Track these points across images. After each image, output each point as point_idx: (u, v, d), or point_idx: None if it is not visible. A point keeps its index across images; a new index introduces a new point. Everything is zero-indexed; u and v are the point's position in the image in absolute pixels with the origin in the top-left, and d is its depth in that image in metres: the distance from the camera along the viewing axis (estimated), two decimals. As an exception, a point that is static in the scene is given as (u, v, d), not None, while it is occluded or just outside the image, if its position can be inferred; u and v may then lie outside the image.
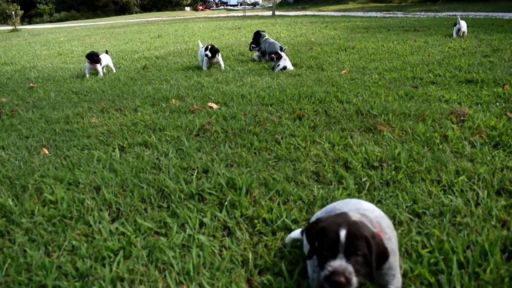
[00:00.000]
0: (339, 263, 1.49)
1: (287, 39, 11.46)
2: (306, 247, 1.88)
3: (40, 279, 2.02)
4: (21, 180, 3.14)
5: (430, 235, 2.16)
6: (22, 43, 17.42)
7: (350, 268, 1.49)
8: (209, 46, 7.29)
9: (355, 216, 1.64)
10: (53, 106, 5.50)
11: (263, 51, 8.01)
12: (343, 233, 1.50)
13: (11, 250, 2.29)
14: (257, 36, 8.24)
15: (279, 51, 7.15)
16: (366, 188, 2.70)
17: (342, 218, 1.59)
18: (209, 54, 7.28)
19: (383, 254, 1.60)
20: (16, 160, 3.59)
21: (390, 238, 1.74)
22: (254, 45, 8.32)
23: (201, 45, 7.88)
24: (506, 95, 4.51)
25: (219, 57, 7.50)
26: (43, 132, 4.37)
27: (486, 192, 2.54)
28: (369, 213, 1.76)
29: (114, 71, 8.01)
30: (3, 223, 2.56)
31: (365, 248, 1.52)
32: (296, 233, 2.18)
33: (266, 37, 8.13)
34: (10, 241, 2.40)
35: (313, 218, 2.02)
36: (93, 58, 7.45)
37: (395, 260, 1.72)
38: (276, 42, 7.98)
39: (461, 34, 9.58)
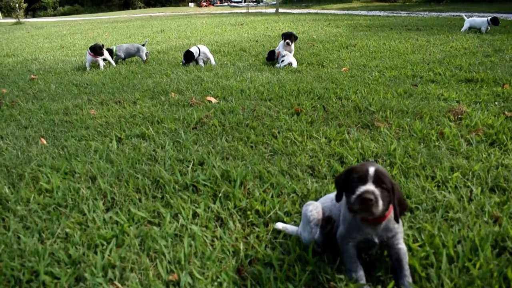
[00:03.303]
0: (369, 186, 1.67)
1: (289, 36, 11.43)
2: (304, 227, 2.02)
3: (32, 265, 2.03)
4: (18, 168, 3.16)
5: (422, 229, 2.16)
6: (25, 36, 17.44)
7: (377, 191, 1.66)
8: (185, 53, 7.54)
9: None
10: (53, 98, 5.51)
11: (122, 57, 8.26)
12: (371, 169, 1.69)
13: (5, 236, 2.30)
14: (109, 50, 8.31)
15: None
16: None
17: (369, 163, 1.75)
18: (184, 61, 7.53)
19: (404, 201, 1.80)
20: (14, 150, 3.60)
21: None
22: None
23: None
24: (505, 94, 4.50)
25: (208, 55, 7.61)
26: (42, 123, 4.38)
27: (479, 188, 2.54)
28: None
29: (114, 64, 8.01)
30: (-2, 210, 2.58)
31: (389, 184, 1.70)
32: (289, 227, 2.19)
33: (115, 47, 8.31)
34: (5, 228, 2.42)
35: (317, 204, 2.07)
36: (97, 50, 7.48)
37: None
38: (133, 44, 8.37)
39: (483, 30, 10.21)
